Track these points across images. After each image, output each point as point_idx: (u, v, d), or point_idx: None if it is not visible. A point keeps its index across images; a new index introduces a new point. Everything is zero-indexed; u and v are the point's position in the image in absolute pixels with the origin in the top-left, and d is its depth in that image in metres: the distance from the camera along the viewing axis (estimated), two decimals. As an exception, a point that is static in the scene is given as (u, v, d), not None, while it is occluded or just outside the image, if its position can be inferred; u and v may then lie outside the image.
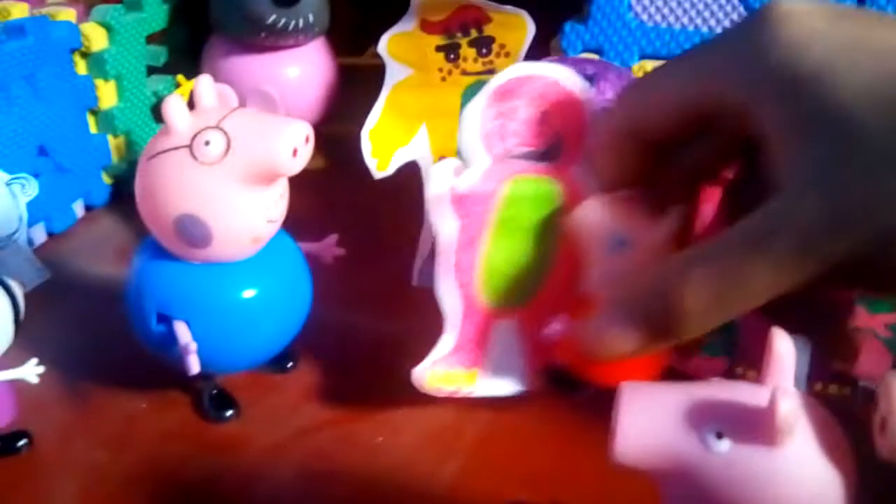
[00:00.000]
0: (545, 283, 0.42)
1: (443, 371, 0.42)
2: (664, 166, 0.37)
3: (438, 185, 0.40)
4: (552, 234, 0.39)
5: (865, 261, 0.28)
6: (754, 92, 0.31)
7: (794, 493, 0.26)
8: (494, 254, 0.41)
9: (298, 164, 0.39)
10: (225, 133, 0.39)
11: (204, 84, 0.41)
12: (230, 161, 0.39)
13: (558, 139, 0.41)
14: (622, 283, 0.34)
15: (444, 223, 0.41)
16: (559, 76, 0.40)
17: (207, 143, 0.39)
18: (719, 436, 0.26)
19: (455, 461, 0.43)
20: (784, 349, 0.27)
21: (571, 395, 0.43)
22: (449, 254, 0.41)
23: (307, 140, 0.40)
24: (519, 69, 0.39)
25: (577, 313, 0.38)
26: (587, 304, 0.37)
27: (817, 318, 0.36)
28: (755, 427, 0.26)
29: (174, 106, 0.39)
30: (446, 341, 0.42)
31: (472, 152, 0.40)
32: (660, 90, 0.35)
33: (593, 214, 0.38)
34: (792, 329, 0.35)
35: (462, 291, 0.42)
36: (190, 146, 0.39)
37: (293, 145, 0.39)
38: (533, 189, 0.41)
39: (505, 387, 0.43)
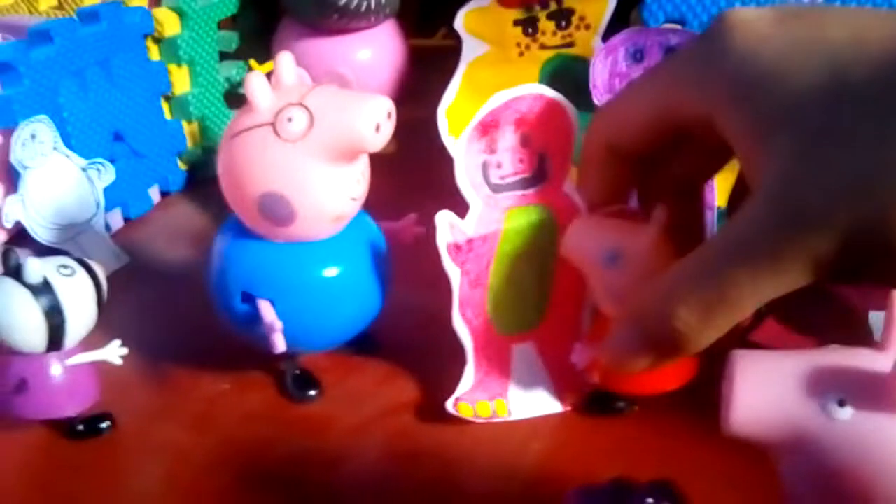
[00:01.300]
0: (552, 302, 0.43)
1: (469, 404, 0.43)
2: (652, 176, 0.38)
3: (442, 237, 0.41)
4: (551, 255, 0.40)
5: (850, 253, 0.27)
6: (713, 101, 0.31)
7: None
8: (498, 285, 0.43)
9: (381, 140, 0.39)
10: (307, 109, 0.38)
11: (285, 61, 0.41)
12: (313, 137, 0.38)
13: (543, 158, 0.41)
14: (625, 303, 0.34)
15: (450, 270, 0.42)
16: (542, 90, 0.40)
17: (290, 119, 0.38)
18: (841, 403, 0.25)
19: (541, 440, 0.43)
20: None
21: (616, 412, 0.44)
22: (456, 297, 0.42)
23: (389, 115, 0.39)
24: (498, 98, 0.40)
25: (595, 334, 0.39)
26: (603, 323, 0.39)
27: (833, 317, 0.35)
28: (879, 393, 0.25)
29: (256, 83, 0.39)
30: (467, 377, 0.44)
31: (466, 194, 0.41)
32: (629, 106, 0.36)
33: (581, 235, 0.38)
34: (808, 330, 0.34)
35: (471, 328, 0.43)
36: (273, 123, 0.39)
37: (376, 120, 0.38)
38: (527, 220, 0.42)
39: (538, 407, 0.44)
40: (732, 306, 0.29)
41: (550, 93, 0.40)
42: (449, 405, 0.43)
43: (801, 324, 0.34)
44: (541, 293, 0.43)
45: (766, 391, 0.26)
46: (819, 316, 0.33)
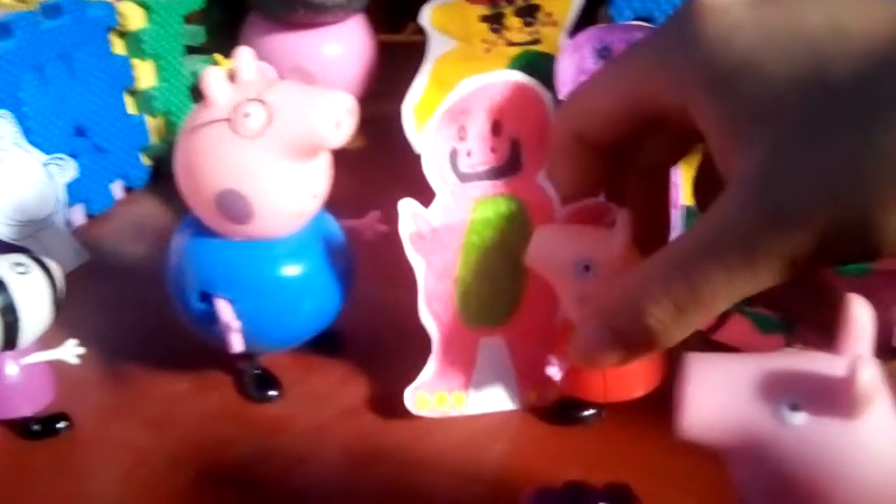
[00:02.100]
0: (525, 297, 0.43)
1: (427, 395, 0.43)
2: (622, 165, 0.37)
3: (404, 226, 0.41)
4: (523, 249, 0.39)
5: (827, 252, 0.27)
6: (685, 91, 0.30)
7: (873, 467, 0.24)
8: (466, 277, 0.42)
9: (341, 137, 0.38)
10: (266, 105, 0.38)
11: (244, 56, 0.40)
12: (272, 134, 0.38)
13: (517, 147, 0.41)
14: (595, 299, 0.34)
15: (414, 261, 0.41)
16: (516, 76, 0.40)
17: (248, 115, 0.38)
18: (794, 408, 0.25)
19: (502, 442, 0.42)
20: (862, 315, 0.26)
21: (583, 419, 0.43)
22: (421, 287, 0.42)
23: (350, 112, 0.38)
24: (468, 85, 0.39)
25: (566, 345, 0.37)
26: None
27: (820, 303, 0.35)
28: (832, 398, 0.24)
29: (213, 78, 0.38)
30: (429, 367, 0.43)
31: (433, 182, 0.41)
32: (597, 95, 0.35)
33: (548, 245, 0.38)
34: (793, 315, 0.33)
35: (437, 320, 0.42)
36: (230, 119, 0.38)
37: (335, 117, 0.37)
38: (495, 211, 0.41)
39: (496, 404, 0.44)
40: (705, 304, 0.29)
41: (525, 79, 0.39)
42: (407, 395, 0.43)
43: (774, 303, 0.34)
44: (513, 288, 0.43)
45: (719, 395, 0.26)
46: (793, 294, 0.32)
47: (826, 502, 0.24)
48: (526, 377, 0.43)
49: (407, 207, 0.40)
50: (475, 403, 0.43)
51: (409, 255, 0.41)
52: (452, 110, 0.40)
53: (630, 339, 0.31)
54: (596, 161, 0.36)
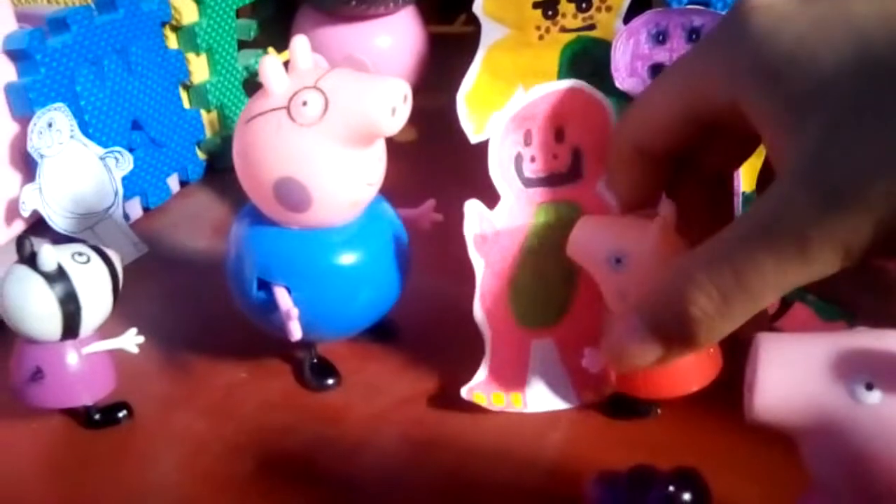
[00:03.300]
0: (576, 300, 0.43)
1: (484, 394, 0.43)
2: (682, 173, 0.37)
3: (469, 227, 0.41)
4: None
5: (884, 237, 0.26)
6: (736, 88, 0.30)
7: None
8: (521, 278, 0.42)
9: (397, 124, 0.38)
10: (322, 93, 0.38)
11: (300, 45, 0.40)
12: (328, 121, 0.38)
13: (578, 154, 0.41)
14: (635, 293, 0.33)
15: (475, 261, 0.41)
16: (580, 84, 0.40)
17: (305, 103, 0.38)
18: (869, 386, 0.24)
19: (560, 431, 0.42)
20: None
21: (637, 416, 0.42)
22: (478, 288, 0.42)
23: (405, 99, 0.38)
24: (534, 91, 0.39)
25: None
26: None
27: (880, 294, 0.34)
28: (907, 376, 0.24)
29: (271, 67, 0.38)
30: (482, 368, 0.43)
31: (498, 186, 0.41)
32: (654, 104, 0.35)
33: (585, 236, 0.38)
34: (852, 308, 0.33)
35: (491, 320, 0.42)
36: (287, 107, 0.38)
37: (391, 104, 0.37)
38: (556, 216, 0.41)
39: (554, 403, 0.43)
40: (752, 294, 0.28)
41: (588, 88, 0.40)
42: (463, 393, 0.43)
43: (830, 296, 0.33)
44: (565, 291, 0.43)
45: (792, 375, 0.25)
46: (850, 286, 0.32)
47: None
48: (580, 377, 0.43)
49: (473, 208, 0.41)
50: (533, 402, 0.43)
51: (471, 255, 0.41)
52: (518, 116, 0.40)
53: (669, 331, 0.31)
54: (655, 170, 0.36)
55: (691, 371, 0.39)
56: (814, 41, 0.28)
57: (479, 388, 0.43)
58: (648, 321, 0.31)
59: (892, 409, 0.24)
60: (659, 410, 0.42)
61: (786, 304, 0.43)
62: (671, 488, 0.31)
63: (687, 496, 0.31)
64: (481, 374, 0.43)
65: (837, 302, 0.38)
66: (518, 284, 0.42)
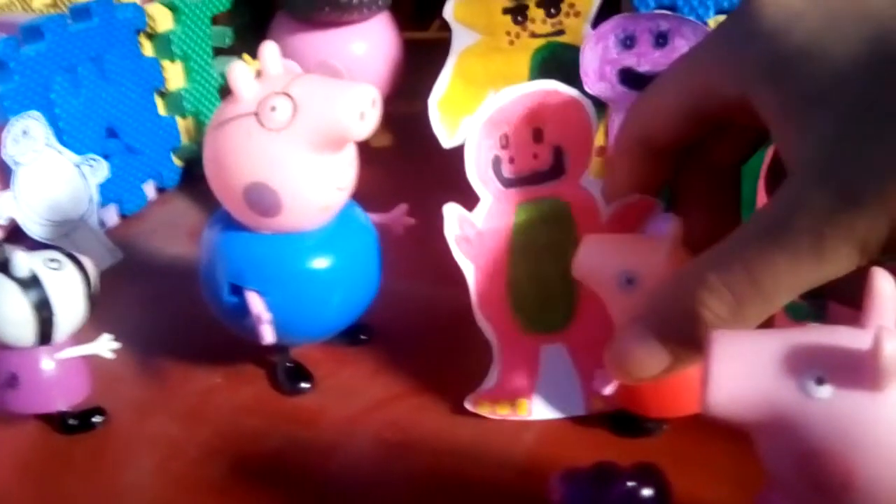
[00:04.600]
0: (580, 300, 0.42)
1: (490, 402, 0.43)
2: (685, 169, 0.37)
3: (450, 230, 0.41)
4: (571, 250, 0.38)
5: None
6: (747, 83, 0.30)
7: (899, 439, 0.24)
8: (518, 281, 0.42)
9: (366, 128, 0.39)
10: (291, 98, 0.38)
11: (269, 51, 0.40)
12: (297, 126, 0.38)
13: (559, 152, 0.41)
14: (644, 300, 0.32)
15: (463, 265, 0.41)
16: (554, 84, 0.40)
17: (274, 108, 0.38)
18: (819, 381, 0.25)
19: (532, 432, 0.43)
20: (885, 288, 0.26)
21: (644, 433, 0.42)
22: (473, 291, 0.42)
23: (374, 103, 0.39)
24: (507, 94, 0.40)
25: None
26: None
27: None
28: (857, 371, 0.24)
29: (240, 73, 0.39)
30: (491, 374, 0.43)
31: (476, 188, 0.41)
32: (662, 96, 0.35)
33: (593, 257, 0.37)
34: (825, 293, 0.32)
35: (493, 325, 0.42)
36: (257, 113, 0.38)
37: (360, 108, 0.38)
38: (540, 212, 0.41)
39: (559, 410, 0.43)
40: (766, 295, 0.28)
41: (564, 89, 0.40)
42: (468, 402, 0.43)
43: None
44: (566, 292, 0.42)
45: (744, 370, 0.25)
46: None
47: (853, 474, 0.24)
48: (591, 384, 0.42)
49: (452, 210, 0.41)
50: (539, 410, 0.43)
51: (456, 258, 0.41)
52: (492, 120, 0.40)
53: (678, 336, 0.30)
54: (658, 164, 0.36)
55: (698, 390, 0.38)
56: (827, 37, 0.28)
57: (484, 397, 0.43)
58: (656, 327, 0.30)
59: (842, 404, 0.24)
60: (665, 427, 0.41)
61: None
62: (633, 483, 0.32)
63: (648, 491, 0.32)
64: (489, 382, 0.43)
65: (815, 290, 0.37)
66: (516, 287, 0.42)
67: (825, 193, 0.27)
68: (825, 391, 0.25)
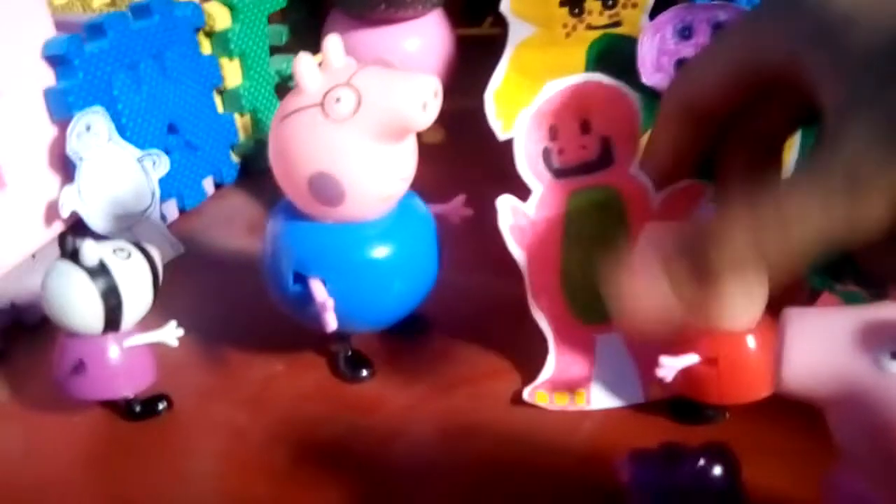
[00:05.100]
0: None
1: (547, 392, 0.43)
2: (729, 140, 0.37)
3: (504, 221, 0.41)
4: (624, 239, 0.39)
5: None
6: (795, 45, 0.31)
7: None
8: (571, 271, 0.42)
9: (428, 118, 0.39)
10: (355, 89, 0.39)
11: (332, 44, 0.41)
12: (361, 117, 0.38)
13: (607, 143, 0.41)
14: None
15: (516, 254, 0.42)
16: (597, 76, 0.40)
17: (338, 99, 0.39)
18: (894, 356, 0.25)
19: (591, 420, 0.43)
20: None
21: (703, 421, 0.41)
22: (528, 281, 0.42)
23: (436, 94, 0.39)
24: (553, 87, 0.40)
25: (680, 346, 0.38)
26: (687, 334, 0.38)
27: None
28: (932, 346, 0.24)
29: (305, 65, 0.39)
30: (548, 364, 0.43)
31: (527, 179, 0.42)
32: (709, 62, 0.35)
33: (652, 243, 0.37)
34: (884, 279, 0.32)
35: (549, 315, 0.43)
36: (321, 104, 0.39)
37: (422, 99, 0.38)
38: (591, 200, 0.42)
39: (618, 399, 0.43)
40: (790, 231, 0.28)
41: (608, 80, 0.40)
42: (526, 393, 0.43)
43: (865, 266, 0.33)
44: None
45: (818, 346, 0.26)
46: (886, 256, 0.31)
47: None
48: (648, 371, 0.42)
49: (505, 202, 0.41)
50: (597, 399, 0.43)
51: (510, 249, 0.42)
52: (540, 112, 0.41)
53: (693, 256, 0.30)
54: (701, 131, 0.36)
55: (760, 377, 0.38)
56: (870, 5, 0.29)
57: (542, 388, 0.43)
58: (678, 258, 0.31)
59: (916, 379, 0.24)
60: (728, 415, 0.41)
61: (814, 294, 0.43)
62: (702, 462, 0.32)
63: (717, 470, 0.32)
64: (546, 373, 0.43)
65: (873, 278, 0.37)
66: (569, 277, 0.43)
67: (864, 134, 0.27)
68: (900, 365, 0.25)
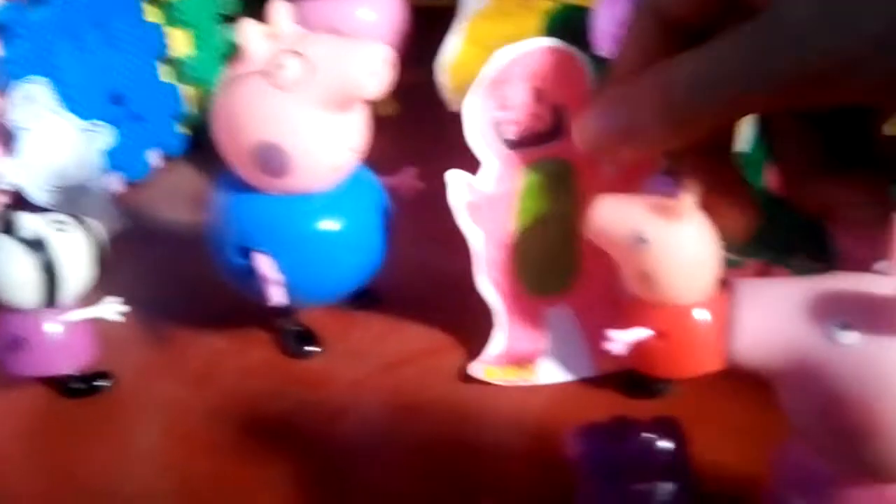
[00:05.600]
0: (584, 261, 0.43)
1: (496, 367, 0.43)
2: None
3: (456, 196, 0.41)
4: (576, 211, 0.38)
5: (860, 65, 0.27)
6: None
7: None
8: (524, 244, 0.42)
9: (378, 87, 0.38)
10: (302, 56, 0.38)
11: (279, 10, 0.40)
12: (308, 85, 0.38)
13: (560, 111, 0.41)
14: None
15: (469, 231, 0.41)
16: (550, 43, 0.40)
17: (284, 66, 0.38)
18: (845, 327, 0.24)
19: (541, 394, 0.42)
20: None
21: (652, 395, 0.42)
22: (480, 258, 0.42)
23: (386, 62, 0.38)
24: (505, 54, 0.40)
25: (629, 319, 0.38)
26: (636, 308, 0.38)
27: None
28: (883, 317, 0.24)
29: (249, 31, 0.38)
30: (498, 339, 0.43)
31: (479, 152, 0.41)
32: None
33: (606, 216, 0.37)
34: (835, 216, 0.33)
35: (500, 290, 0.42)
36: (267, 71, 0.38)
37: (373, 66, 0.37)
38: (544, 174, 0.41)
39: (568, 374, 0.43)
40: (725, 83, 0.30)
41: (560, 45, 0.40)
42: (475, 367, 0.43)
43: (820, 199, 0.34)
44: (570, 253, 0.42)
45: (769, 317, 0.25)
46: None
47: (878, 422, 0.24)
48: (597, 345, 0.41)
49: (456, 177, 0.41)
50: (547, 373, 0.43)
51: (463, 226, 0.41)
52: (492, 81, 0.40)
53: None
54: (669, 41, 0.36)
55: (710, 350, 0.37)
56: None
57: (492, 363, 0.43)
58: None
59: (867, 350, 0.24)
60: (677, 388, 0.41)
61: (766, 269, 0.43)
62: (650, 436, 0.32)
63: (666, 444, 0.32)
64: (495, 347, 0.43)
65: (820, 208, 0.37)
66: (522, 251, 0.42)
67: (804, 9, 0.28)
68: (850, 337, 0.24)
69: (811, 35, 0.28)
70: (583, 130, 0.35)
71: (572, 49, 0.40)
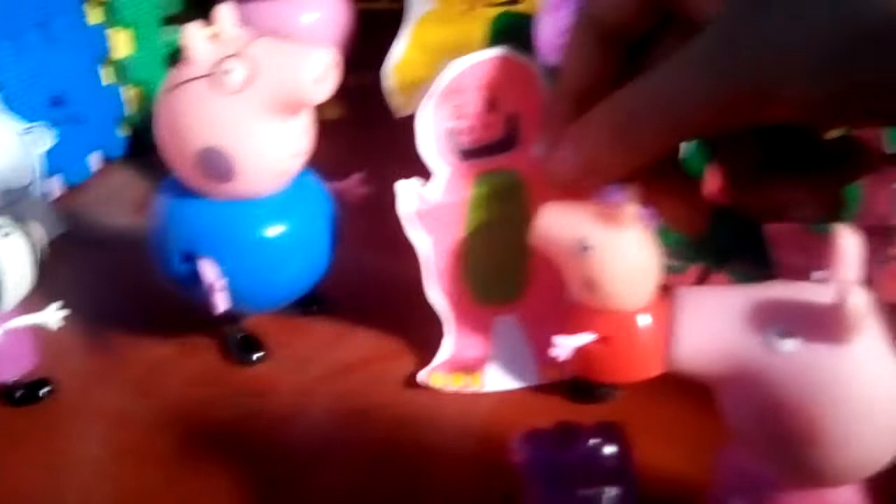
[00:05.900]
0: (532, 274, 0.43)
1: (443, 374, 0.43)
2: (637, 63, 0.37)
3: (405, 204, 0.41)
4: (525, 223, 0.38)
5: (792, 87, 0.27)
6: None
7: (863, 392, 0.25)
8: (473, 253, 0.42)
9: (323, 92, 0.38)
10: (247, 61, 0.37)
11: (224, 13, 0.40)
12: (253, 89, 0.37)
13: (514, 121, 0.41)
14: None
15: (418, 239, 0.41)
16: (506, 53, 0.40)
17: (228, 71, 0.37)
18: (784, 335, 0.25)
19: (488, 401, 0.42)
20: (848, 244, 0.26)
21: (596, 400, 0.42)
22: (429, 266, 0.42)
23: (331, 67, 0.38)
24: (459, 64, 0.40)
25: (574, 326, 0.38)
26: (581, 314, 0.38)
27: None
28: (822, 325, 0.24)
29: (193, 34, 0.38)
30: (445, 346, 0.43)
31: (430, 161, 0.41)
32: None
33: (551, 224, 0.37)
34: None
35: (449, 298, 0.43)
36: (211, 75, 0.38)
37: (317, 71, 0.37)
38: (496, 185, 0.42)
39: (513, 382, 0.43)
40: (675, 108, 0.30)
41: (515, 54, 0.40)
42: (422, 375, 0.43)
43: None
44: (520, 264, 0.43)
45: (709, 325, 0.26)
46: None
47: (817, 428, 0.24)
48: (543, 354, 0.41)
49: (406, 187, 0.41)
50: (493, 381, 0.43)
51: (410, 235, 0.41)
52: (445, 91, 0.40)
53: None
54: (610, 52, 0.36)
55: (653, 355, 0.38)
56: None
57: (438, 370, 0.43)
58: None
59: (806, 357, 0.25)
60: (620, 394, 0.42)
61: (705, 276, 0.44)
62: (595, 441, 0.32)
63: (610, 449, 0.32)
64: (442, 355, 0.43)
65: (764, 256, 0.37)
66: (471, 260, 0.42)
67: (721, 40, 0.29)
68: (789, 345, 0.25)
69: (742, 61, 0.28)
70: (549, 173, 0.35)
71: (525, 57, 0.40)
